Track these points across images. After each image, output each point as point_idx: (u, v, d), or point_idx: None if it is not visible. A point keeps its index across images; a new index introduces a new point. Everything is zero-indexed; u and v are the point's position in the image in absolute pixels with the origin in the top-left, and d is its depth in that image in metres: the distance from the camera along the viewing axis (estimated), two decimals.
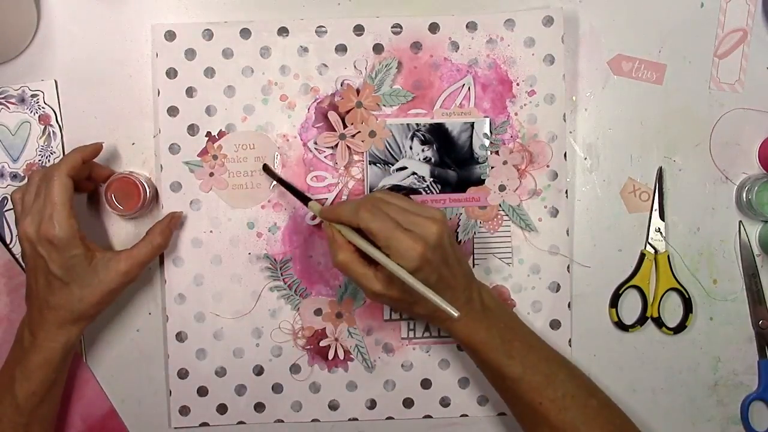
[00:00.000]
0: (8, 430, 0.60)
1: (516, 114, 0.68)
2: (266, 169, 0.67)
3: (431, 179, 0.68)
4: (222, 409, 0.69)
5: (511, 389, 0.60)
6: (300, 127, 0.68)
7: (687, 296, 0.69)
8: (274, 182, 0.67)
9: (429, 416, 0.69)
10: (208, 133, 0.68)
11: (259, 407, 0.69)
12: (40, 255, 0.59)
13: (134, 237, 0.68)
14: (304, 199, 0.65)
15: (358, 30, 0.68)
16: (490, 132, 0.68)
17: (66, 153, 0.66)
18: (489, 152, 0.68)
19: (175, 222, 0.67)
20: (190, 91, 0.68)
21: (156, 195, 0.68)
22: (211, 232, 0.68)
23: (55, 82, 0.68)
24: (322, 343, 0.69)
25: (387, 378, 0.69)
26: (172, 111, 0.68)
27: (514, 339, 0.61)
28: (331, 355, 0.69)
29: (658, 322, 0.69)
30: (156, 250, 0.64)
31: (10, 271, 0.69)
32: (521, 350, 0.60)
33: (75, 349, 0.65)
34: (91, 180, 0.66)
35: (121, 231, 0.69)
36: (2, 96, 0.68)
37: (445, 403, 0.69)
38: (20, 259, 0.68)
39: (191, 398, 0.68)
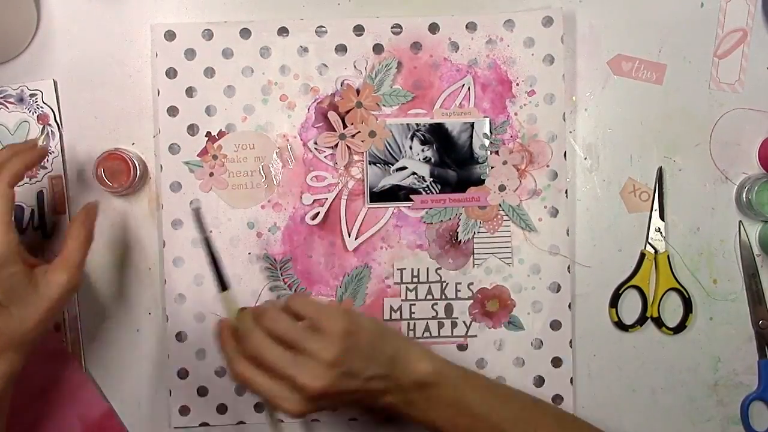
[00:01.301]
0: None
1: (516, 114, 0.68)
2: (196, 214, 0.65)
3: (431, 179, 0.68)
4: (222, 409, 0.69)
5: None
6: (300, 127, 0.68)
7: (687, 296, 0.69)
8: (270, 179, 0.68)
9: None
10: (208, 133, 0.68)
11: (259, 407, 0.69)
12: None
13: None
14: (223, 286, 0.62)
15: (358, 30, 0.68)
16: (490, 132, 0.68)
17: (6, 158, 0.56)
18: (489, 152, 0.68)
19: (92, 211, 0.60)
20: (190, 91, 0.68)
21: (146, 171, 0.67)
22: (211, 232, 0.68)
23: (54, 81, 0.68)
24: None
25: None
26: (172, 111, 0.68)
27: (457, 415, 0.58)
28: None
29: (658, 322, 0.69)
30: (85, 244, 0.58)
31: None
32: (468, 426, 0.58)
33: (15, 380, 0.56)
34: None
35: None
36: (1, 96, 0.68)
37: None
38: None
39: (191, 398, 0.68)
